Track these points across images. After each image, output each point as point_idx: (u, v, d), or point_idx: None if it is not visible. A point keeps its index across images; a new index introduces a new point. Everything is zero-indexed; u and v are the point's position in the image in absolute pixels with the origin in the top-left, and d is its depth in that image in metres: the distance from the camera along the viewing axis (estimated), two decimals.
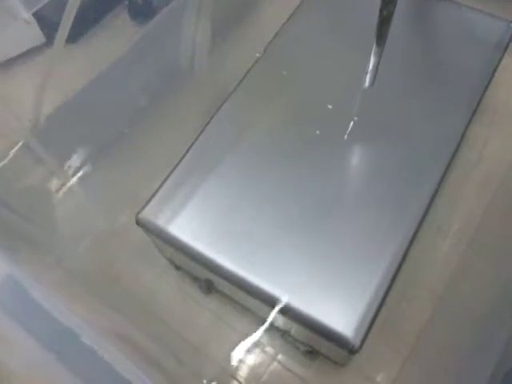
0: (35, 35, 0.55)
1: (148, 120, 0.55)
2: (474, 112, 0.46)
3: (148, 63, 0.51)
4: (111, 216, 0.51)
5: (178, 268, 0.49)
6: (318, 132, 0.44)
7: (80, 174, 0.52)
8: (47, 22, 0.54)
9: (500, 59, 0.47)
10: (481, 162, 0.55)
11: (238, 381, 0.46)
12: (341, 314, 0.36)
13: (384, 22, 0.38)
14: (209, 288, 0.48)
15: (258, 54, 0.50)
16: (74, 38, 0.54)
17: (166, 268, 0.50)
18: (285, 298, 0.37)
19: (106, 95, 0.50)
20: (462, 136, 0.45)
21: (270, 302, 0.38)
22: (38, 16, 0.54)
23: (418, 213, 0.41)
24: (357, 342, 0.35)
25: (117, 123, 0.53)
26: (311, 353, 0.45)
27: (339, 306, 0.37)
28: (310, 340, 0.42)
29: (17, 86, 0.58)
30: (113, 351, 0.33)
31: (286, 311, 0.37)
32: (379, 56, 0.40)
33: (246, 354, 0.47)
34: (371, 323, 0.37)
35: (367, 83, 0.40)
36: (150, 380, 0.35)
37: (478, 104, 0.46)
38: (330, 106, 0.46)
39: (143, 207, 0.40)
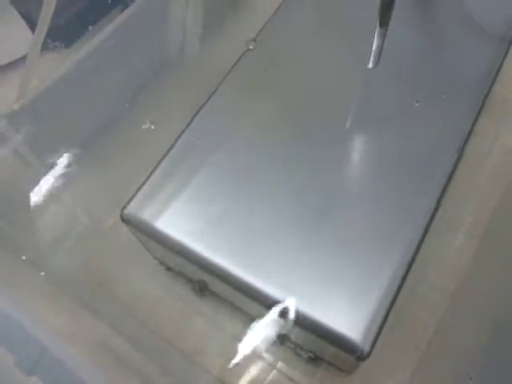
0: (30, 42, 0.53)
1: (134, 112, 0.51)
2: (484, 101, 0.43)
3: (133, 50, 0.48)
4: (95, 215, 0.48)
5: (168, 269, 0.46)
6: (314, 123, 0.41)
7: (62, 170, 0.49)
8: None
9: (508, 48, 0.45)
10: (492, 153, 0.52)
11: None
12: (348, 317, 0.33)
13: (387, 3, 0.35)
14: (202, 290, 0.45)
15: (251, 47, 0.47)
16: (68, 42, 0.52)
17: (155, 269, 0.47)
18: (286, 300, 0.34)
19: (87, 84, 0.46)
20: (472, 125, 0.41)
21: (270, 304, 0.34)
22: (33, 23, 0.52)
23: (428, 207, 0.37)
24: (366, 347, 0.32)
25: (100, 115, 0.50)
26: (314, 360, 0.42)
27: (346, 307, 0.33)
28: (314, 346, 0.38)
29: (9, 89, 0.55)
30: (86, 363, 0.29)
31: (288, 314, 0.34)
32: (383, 37, 0.37)
33: (242, 362, 0.43)
34: (381, 326, 0.33)
35: (371, 63, 0.38)
36: None
37: (488, 93, 0.43)
38: (325, 96, 0.43)
39: (128, 202, 0.37)
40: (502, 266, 0.45)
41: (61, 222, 0.48)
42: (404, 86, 0.43)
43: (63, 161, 0.49)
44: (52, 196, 0.47)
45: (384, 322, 0.33)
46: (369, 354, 0.32)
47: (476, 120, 0.42)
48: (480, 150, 0.51)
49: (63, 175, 0.49)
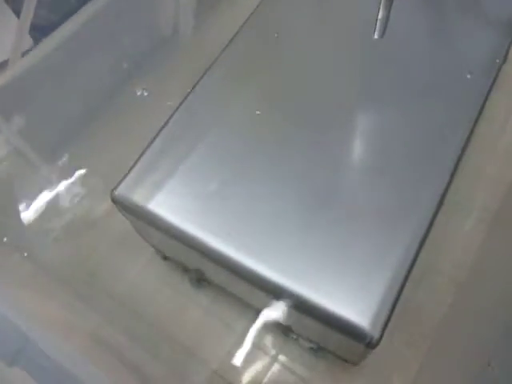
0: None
1: (126, 94, 0.49)
2: (492, 84, 0.41)
3: (123, 25, 0.45)
4: (88, 203, 0.45)
5: (165, 258, 0.44)
6: (317, 99, 0.39)
7: (52, 155, 0.46)
8: (36, 27, 0.50)
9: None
10: (504, 134, 0.50)
11: None
12: (355, 301, 0.31)
13: None
14: (199, 280, 0.43)
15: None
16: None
17: (151, 259, 0.45)
18: (289, 286, 0.32)
19: (77, 60, 0.44)
20: (483, 104, 0.39)
21: (270, 290, 0.32)
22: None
23: (439, 187, 0.35)
24: (375, 334, 0.30)
25: (92, 95, 0.47)
26: (317, 351, 0.40)
27: (352, 291, 0.31)
28: (319, 335, 0.36)
29: None
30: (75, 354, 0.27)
31: (291, 301, 0.32)
32: (389, 8, 0.35)
33: (242, 355, 0.41)
34: (391, 311, 0.31)
35: (377, 34, 0.36)
36: None
37: (498, 71, 0.41)
38: (326, 71, 0.40)
39: (119, 182, 0.35)
40: None
41: (51, 212, 0.45)
42: (413, 60, 0.41)
43: (53, 146, 0.46)
44: (42, 184, 0.45)
45: (394, 306, 0.31)
46: (378, 341, 0.30)
47: (487, 98, 0.40)
48: (490, 133, 0.49)
49: (53, 160, 0.47)
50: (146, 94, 0.45)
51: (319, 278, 0.32)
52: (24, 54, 0.50)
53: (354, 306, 0.30)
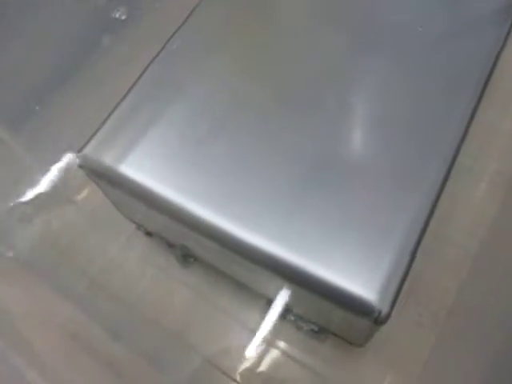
0: None
1: (95, 56, 0.46)
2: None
3: None
4: (59, 174, 0.41)
5: (147, 234, 0.41)
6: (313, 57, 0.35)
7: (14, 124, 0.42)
8: None
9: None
10: None
11: (227, 375, 0.37)
12: (360, 273, 0.27)
13: None
14: (185, 257, 0.39)
15: None
16: None
17: (132, 236, 0.42)
18: (286, 257, 0.28)
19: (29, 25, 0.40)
20: (496, 60, 0.36)
21: (265, 262, 0.29)
22: None
23: (449, 151, 0.32)
24: (384, 309, 0.26)
25: (53, 65, 0.44)
26: (319, 333, 0.36)
27: (358, 262, 0.28)
28: (320, 313, 0.33)
29: None
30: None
31: (288, 274, 0.28)
32: None
33: (235, 340, 0.39)
34: (401, 284, 0.28)
35: None
36: None
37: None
38: (314, 26, 0.36)
39: (86, 143, 0.31)
40: None
41: (20, 187, 0.41)
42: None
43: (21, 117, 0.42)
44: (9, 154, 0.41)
45: (404, 278, 0.28)
46: (387, 317, 0.26)
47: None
48: (507, 92, 0.45)
49: (17, 130, 0.43)
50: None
51: (319, 247, 0.28)
52: None
53: (360, 278, 0.27)
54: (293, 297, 0.32)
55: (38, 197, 0.41)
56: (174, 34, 0.37)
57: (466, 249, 0.40)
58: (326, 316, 0.32)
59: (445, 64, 0.35)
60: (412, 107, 0.33)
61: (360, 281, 0.27)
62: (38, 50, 0.44)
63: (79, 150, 0.31)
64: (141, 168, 0.30)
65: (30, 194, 0.40)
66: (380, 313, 0.26)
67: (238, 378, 0.37)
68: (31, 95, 0.43)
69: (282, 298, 0.34)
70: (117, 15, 0.42)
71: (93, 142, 0.31)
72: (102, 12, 0.44)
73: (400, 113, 0.33)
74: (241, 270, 0.35)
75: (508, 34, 0.38)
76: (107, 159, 0.31)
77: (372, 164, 0.31)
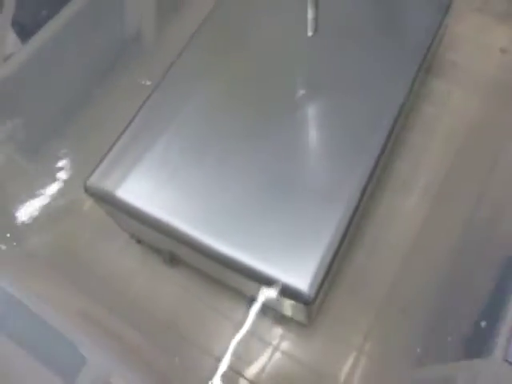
0: (13, 42, 0.54)
1: (100, 92, 0.54)
2: (422, 64, 0.45)
3: (95, 33, 0.50)
4: (67, 193, 0.50)
5: (139, 242, 0.48)
6: (269, 90, 0.44)
7: (30, 150, 0.51)
8: (24, 30, 0.53)
9: (446, 11, 0.47)
10: (444, 116, 0.54)
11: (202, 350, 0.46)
12: (296, 269, 0.36)
13: None
14: (172, 260, 0.47)
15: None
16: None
17: (127, 242, 0.49)
18: (244, 259, 0.37)
19: (53, 67, 0.48)
20: (410, 89, 0.43)
21: (229, 264, 0.37)
22: (15, 24, 0.53)
23: (367, 166, 0.40)
24: (311, 294, 0.35)
25: (66, 97, 0.52)
26: (281, 318, 0.45)
27: (295, 263, 0.36)
28: (272, 301, 0.41)
29: None
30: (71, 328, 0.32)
31: (247, 272, 0.37)
32: (316, 3, 0.39)
33: (214, 325, 0.47)
34: (324, 277, 0.36)
35: (310, 31, 0.40)
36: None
37: (426, 57, 0.45)
38: (279, 64, 0.45)
39: (91, 173, 0.40)
40: (452, 226, 0.48)
41: (34, 202, 0.50)
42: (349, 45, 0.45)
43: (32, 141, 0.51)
44: (24, 176, 0.49)
45: (327, 273, 0.36)
46: (314, 300, 0.35)
47: (415, 81, 0.44)
48: (432, 113, 0.54)
49: (30, 154, 0.51)
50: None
51: (268, 251, 0.37)
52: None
53: (295, 273, 0.36)
54: (254, 290, 0.39)
55: (53, 211, 0.49)
56: (163, 76, 0.44)
57: (398, 248, 0.48)
58: (276, 302, 0.40)
59: (366, 99, 0.42)
60: (338, 141, 0.41)
61: (295, 275, 0.35)
62: (56, 96, 0.52)
63: (86, 178, 0.39)
64: (133, 192, 0.38)
65: (47, 209, 0.49)
66: (309, 297, 0.35)
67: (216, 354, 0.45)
68: (47, 128, 0.52)
69: (249, 292, 0.42)
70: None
71: (96, 172, 0.39)
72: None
73: (330, 146, 0.41)
74: (215, 270, 0.43)
75: (421, 64, 0.45)
76: (108, 186, 0.39)
77: (307, 183, 0.39)
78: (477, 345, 0.29)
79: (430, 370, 0.36)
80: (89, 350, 0.33)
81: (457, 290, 0.41)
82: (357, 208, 0.38)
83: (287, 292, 0.36)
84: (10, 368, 0.31)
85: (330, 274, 0.37)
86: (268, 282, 0.36)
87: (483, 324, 0.29)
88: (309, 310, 0.37)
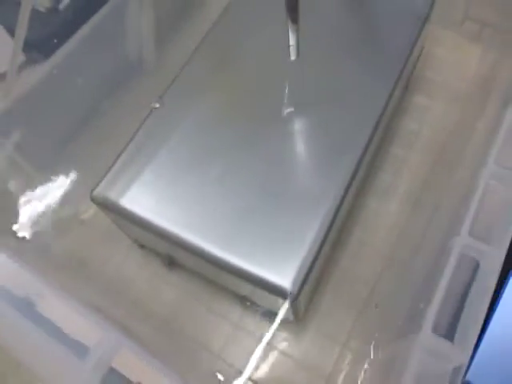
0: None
1: (105, 108, 0.59)
2: (399, 79, 0.48)
3: (98, 58, 0.54)
4: (74, 202, 0.54)
5: (141, 246, 0.52)
6: (259, 110, 0.48)
7: (40, 162, 0.55)
8: (26, 42, 0.54)
9: (421, 29, 0.51)
10: (423, 129, 0.59)
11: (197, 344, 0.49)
12: (280, 268, 0.39)
13: (292, 4, 0.39)
14: (171, 263, 0.51)
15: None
16: (47, 53, 0.57)
17: (130, 247, 0.53)
18: (230, 259, 0.40)
19: (60, 91, 0.53)
20: (387, 102, 0.47)
21: (220, 265, 0.41)
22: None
23: (347, 173, 0.43)
24: (294, 290, 0.38)
25: (76, 113, 0.57)
26: (270, 314, 0.47)
27: (280, 262, 0.40)
28: (260, 298, 0.45)
29: None
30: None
31: (236, 273, 0.40)
32: (296, 31, 0.41)
33: (210, 324, 0.50)
34: (306, 275, 0.39)
35: (292, 56, 0.43)
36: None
37: (402, 72, 0.49)
38: (269, 87, 0.49)
39: (97, 184, 0.43)
40: (429, 232, 0.51)
41: (43, 211, 0.54)
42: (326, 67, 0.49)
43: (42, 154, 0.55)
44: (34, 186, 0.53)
45: (309, 273, 0.40)
46: (297, 296, 0.39)
47: (392, 95, 0.47)
48: (411, 127, 0.58)
49: (41, 167, 0.55)
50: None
51: (255, 252, 0.40)
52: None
53: (279, 272, 0.39)
54: (243, 289, 0.44)
55: (60, 218, 0.53)
56: (165, 91, 0.48)
57: (379, 250, 0.52)
58: (263, 299, 0.44)
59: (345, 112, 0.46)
60: (319, 150, 0.45)
61: (279, 272, 0.39)
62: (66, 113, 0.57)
63: (92, 189, 0.43)
64: (137, 201, 0.42)
65: (54, 216, 0.53)
66: (291, 293, 0.38)
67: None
68: (57, 140, 0.56)
69: (242, 291, 0.46)
70: None
71: (102, 183, 0.43)
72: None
73: (310, 154, 0.45)
74: (209, 272, 0.47)
75: (398, 80, 0.48)
76: (113, 196, 0.42)
77: (293, 189, 0.43)
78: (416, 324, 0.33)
79: (386, 352, 0.40)
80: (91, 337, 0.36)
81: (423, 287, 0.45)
82: (337, 210, 0.42)
83: (272, 289, 0.39)
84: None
85: (314, 272, 0.40)
86: (254, 280, 0.40)
87: (421, 305, 0.33)
88: (294, 306, 0.40)
